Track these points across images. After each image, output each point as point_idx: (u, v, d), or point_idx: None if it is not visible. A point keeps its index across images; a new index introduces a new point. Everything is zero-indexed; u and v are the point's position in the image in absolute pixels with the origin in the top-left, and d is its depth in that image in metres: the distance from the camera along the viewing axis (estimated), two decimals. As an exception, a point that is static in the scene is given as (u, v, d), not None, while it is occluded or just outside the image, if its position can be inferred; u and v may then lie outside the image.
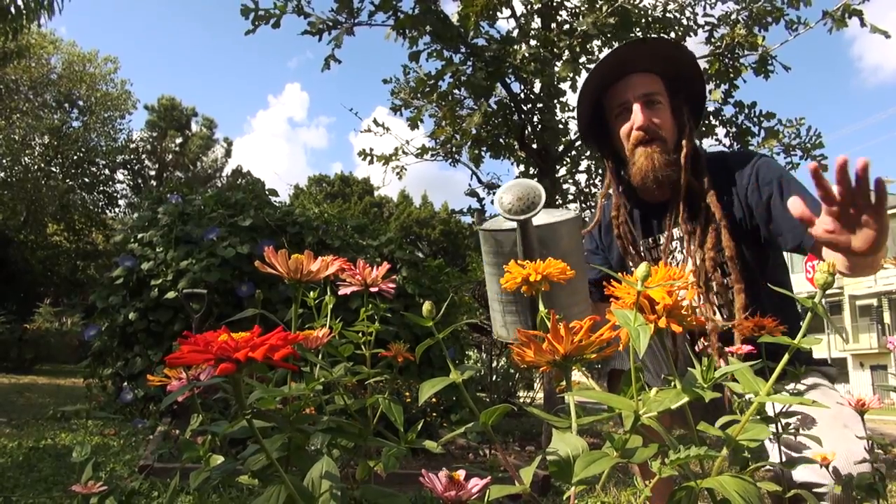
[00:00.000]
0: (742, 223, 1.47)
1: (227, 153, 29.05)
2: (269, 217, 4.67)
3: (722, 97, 5.10)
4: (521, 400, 8.31)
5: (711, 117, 5.17)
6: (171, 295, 4.34)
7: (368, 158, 5.29)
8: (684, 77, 1.54)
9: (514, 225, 1.21)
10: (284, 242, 4.60)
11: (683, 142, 1.49)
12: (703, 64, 5.21)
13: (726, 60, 5.07)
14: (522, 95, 4.69)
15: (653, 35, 4.55)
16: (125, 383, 4.45)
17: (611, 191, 1.66)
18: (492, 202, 5.09)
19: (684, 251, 1.50)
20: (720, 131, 5.26)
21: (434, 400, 4.22)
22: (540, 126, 4.58)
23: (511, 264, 0.88)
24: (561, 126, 4.84)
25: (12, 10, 6.18)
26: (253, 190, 4.95)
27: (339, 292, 1.11)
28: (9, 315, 14.10)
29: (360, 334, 1.05)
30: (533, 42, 4.61)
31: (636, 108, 1.48)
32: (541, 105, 4.63)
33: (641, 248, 1.61)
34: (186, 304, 4.26)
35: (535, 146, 4.93)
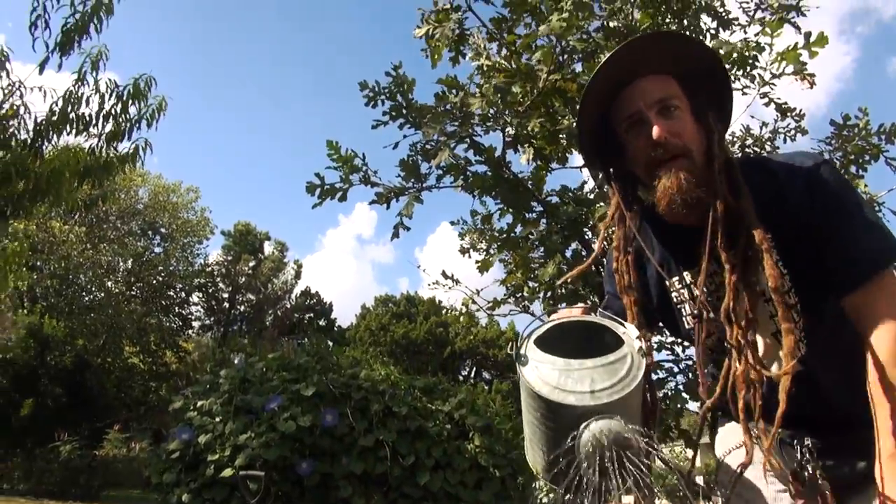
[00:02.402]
0: (791, 247, 1.19)
1: (297, 275, 29.85)
2: (333, 382, 4.42)
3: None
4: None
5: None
6: (227, 472, 4.06)
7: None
8: (701, 73, 1.24)
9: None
10: (348, 411, 4.31)
11: (715, 150, 1.20)
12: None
13: (822, 205, 4.67)
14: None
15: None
16: (175, 568, 4.12)
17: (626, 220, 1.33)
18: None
19: (726, 285, 1.19)
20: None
21: None
22: (622, 284, 4.24)
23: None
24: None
25: (93, 167, 6.57)
26: (318, 352, 4.75)
27: None
28: (81, 440, 14.24)
29: None
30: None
31: (651, 118, 1.20)
32: (621, 260, 4.32)
33: (684, 284, 1.31)
34: (243, 485, 3.98)
35: (615, 301, 4.58)
